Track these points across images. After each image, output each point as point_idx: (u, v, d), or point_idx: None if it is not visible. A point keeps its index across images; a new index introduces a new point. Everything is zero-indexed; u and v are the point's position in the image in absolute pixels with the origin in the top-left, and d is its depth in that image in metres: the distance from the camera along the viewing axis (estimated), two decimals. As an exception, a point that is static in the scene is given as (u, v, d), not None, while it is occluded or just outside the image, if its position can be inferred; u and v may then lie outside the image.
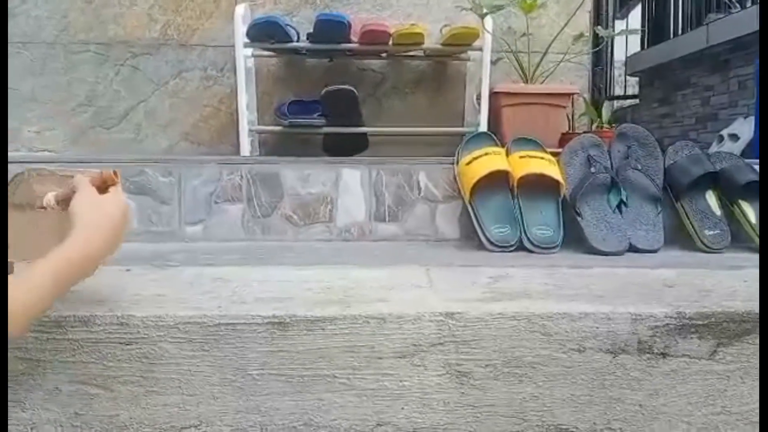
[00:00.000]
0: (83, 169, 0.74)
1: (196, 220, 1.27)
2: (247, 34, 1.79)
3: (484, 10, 1.71)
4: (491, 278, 0.88)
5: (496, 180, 1.21)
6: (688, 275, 0.92)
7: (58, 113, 2.01)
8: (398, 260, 1.06)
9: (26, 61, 1.98)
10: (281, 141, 2.05)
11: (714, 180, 1.25)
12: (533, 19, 1.84)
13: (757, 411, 0.70)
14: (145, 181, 1.26)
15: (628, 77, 4.07)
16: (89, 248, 0.64)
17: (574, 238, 1.18)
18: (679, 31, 3.49)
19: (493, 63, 1.84)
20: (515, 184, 1.21)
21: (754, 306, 0.72)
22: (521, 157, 1.26)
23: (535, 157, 1.26)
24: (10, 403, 0.68)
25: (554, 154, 1.29)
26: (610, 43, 2.88)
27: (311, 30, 1.82)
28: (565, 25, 1.82)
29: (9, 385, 0.67)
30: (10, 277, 0.56)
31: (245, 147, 1.81)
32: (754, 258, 1.11)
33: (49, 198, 0.69)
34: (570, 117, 1.95)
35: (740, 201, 1.22)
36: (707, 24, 3.02)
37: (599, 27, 2.11)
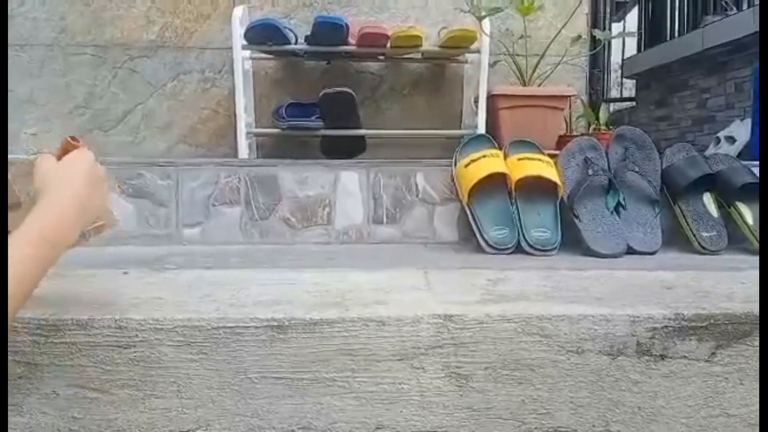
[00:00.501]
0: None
1: (193, 223, 1.27)
2: (245, 37, 1.79)
3: (482, 13, 1.71)
4: (490, 280, 0.88)
5: (494, 182, 1.22)
6: (686, 277, 0.92)
7: (56, 115, 2.00)
8: (396, 263, 1.06)
9: (24, 64, 1.98)
10: (279, 143, 2.05)
11: (711, 182, 1.25)
12: (530, 22, 1.84)
13: (757, 413, 0.70)
14: (142, 184, 1.26)
15: (624, 80, 4.08)
16: (60, 209, 0.60)
17: (571, 240, 1.18)
18: (676, 34, 3.50)
19: (491, 65, 1.85)
20: (513, 187, 1.21)
21: (753, 307, 0.72)
22: (519, 159, 1.26)
23: (532, 159, 1.26)
24: (8, 408, 0.68)
25: (552, 157, 1.29)
26: (607, 46, 2.88)
27: (309, 32, 1.81)
28: (563, 27, 1.83)
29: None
30: None
31: (243, 149, 1.80)
32: (752, 260, 1.11)
33: (22, 191, 0.68)
34: (567, 119, 1.95)
35: (737, 203, 1.23)
36: (704, 26, 3.03)
37: (596, 29, 2.11)
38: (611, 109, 3.78)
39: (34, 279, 0.56)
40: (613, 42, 3.13)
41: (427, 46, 1.86)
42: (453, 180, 1.28)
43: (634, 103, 4.00)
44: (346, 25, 1.78)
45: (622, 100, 4.10)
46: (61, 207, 0.60)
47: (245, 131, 1.81)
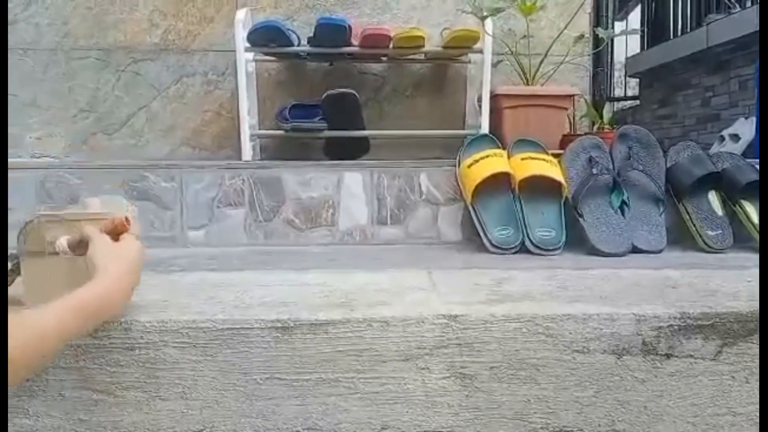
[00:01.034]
0: (94, 212, 0.76)
1: (198, 225, 1.27)
2: (248, 39, 1.79)
3: (485, 13, 1.71)
4: (494, 280, 0.88)
5: (498, 182, 1.21)
6: (691, 276, 0.92)
7: (60, 119, 2.01)
8: (401, 263, 1.06)
9: (28, 68, 1.99)
10: (282, 145, 2.05)
11: (716, 180, 1.25)
12: (533, 22, 1.84)
13: (763, 411, 0.70)
14: (147, 187, 1.26)
15: (628, 78, 4.07)
16: (107, 293, 0.65)
17: (576, 240, 1.18)
18: (679, 32, 3.49)
19: (494, 65, 1.84)
20: (517, 186, 1.21)
21: (759, 306, 0.72)
22: (523, 159, 1.26)
23: (536, 158, 1.26)
24: (13, 410, 0.68)
25: (555, 156, 1.29)
26: (610, 45, 2.88)
27: (312, 34, 1.82)
28: (566, 26, 1.83)
29: (12, 391, 0.67)
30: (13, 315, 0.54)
31: (247, 151, 1.81)
32: (757, 258, 1.11)
33: (62, 242, 0.70)
34: (571, 118, 1.94)
35: (742, 201, 1.22)
36: (707, 24, 3.02)
37: (599, 28, 2.11)
38: (615, 108, 3.78)
39: (62, 340, 0.59)
40: (617, 40, 3.13)
41: (429, 46, 1.86)
42: (457, 180, 1.28)
43: (637, 102, 3.99)
44: (349, 26, 1.78)
45: (625, 98, 4.09)
46: (111, 287, 0.66)
47: (248, 133, 1.82)
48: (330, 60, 2.00)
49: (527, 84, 1.80)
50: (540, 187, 1.21)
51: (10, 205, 1.20)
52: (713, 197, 1.25)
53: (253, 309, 0.72)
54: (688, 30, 3.36)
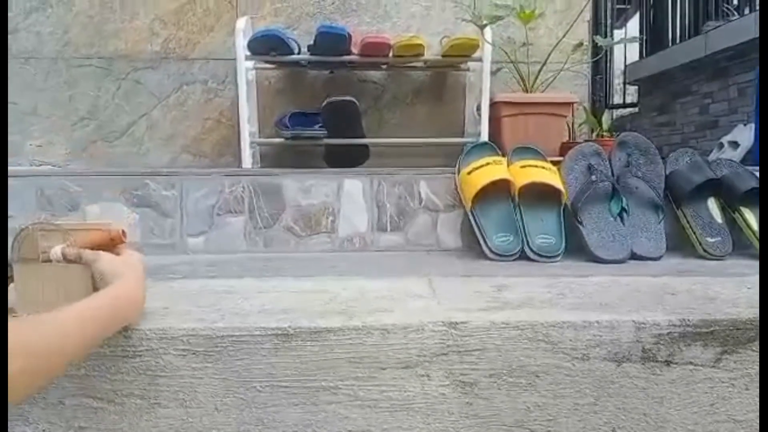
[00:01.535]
0: (89, 222, 0.76)
1: (198, 233, 1.27)
2: (248, 47, 1.80)
3: (484, 21, 1.73)
4: (494, 287, 0.88)
5: (498, 189, 1.22)
6: (691, 283, 0.92)
7: (61, 127, 2.02)
8: (401, 270, 1.06)
9: (29, 76, 2.00)
10: (282, 153, 2.06)
11: (715, 187, 1.25)
12: (532, 30, 1.86)
13: (763, 418, 0.70)
14: (147, 194, 1.26)
15: (627, 86, 4.08)
16: (131, 293, 0.68)
17: (575, 247, 1.18)
18: (678, 40, 3.50)
19: (493, 73, 1.85)
20: (516, 194, 1.21)
21: (758, 313, 0.72)
22: (522, 166, 1.27)
23: (536, 166, 1.26)
24: (13, 418, 0.68)
25: (555, 163, 1.29)
26: (609, 53, 2.89)
27: (312, 42, 1.83)
28: (564, 35, 1.84)
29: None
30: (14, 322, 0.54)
31: (247, 159, 1.81)
32: (757, 265, 1.11)
33: (56, 251, 0.70)
34: (570, 126, 1.95)
35: (741, 208, 1.23)
36: (706, 32, 3.03)
37: (598, 36, 2.12)
38: (614, 115, 3.78)
39: (86, 338, 0.60)
40: (616, 48, 3.14)
41: (429, 55, 1.87)
42: (456, 187, 1.28)
43: (636, 109, 3.99)
44: (349, 34, 1.79)
45: (624, 106, 4.09)
46: (134, 286, 0.69)
47: (249, 141, 1.82)
48: (330, 68, 2.01)
49: (526, 92, 1.81)
50: (539, 195, 1.22)
51: (10, 212, 1.20)
52: (712, 204, 1.26)
53: (253, 316, 0.73)
54: (687, 37, 3.37)
